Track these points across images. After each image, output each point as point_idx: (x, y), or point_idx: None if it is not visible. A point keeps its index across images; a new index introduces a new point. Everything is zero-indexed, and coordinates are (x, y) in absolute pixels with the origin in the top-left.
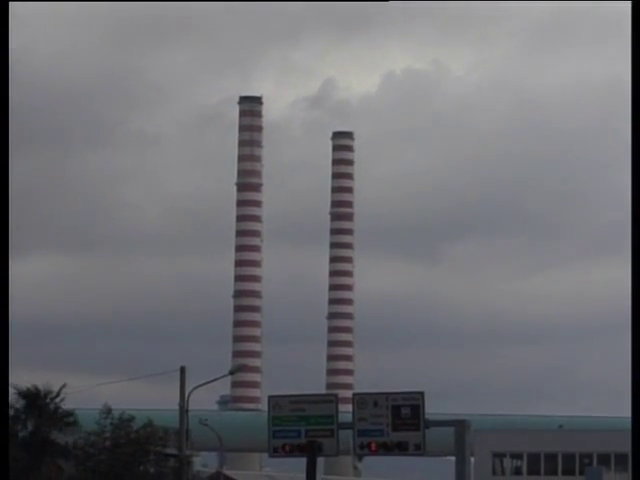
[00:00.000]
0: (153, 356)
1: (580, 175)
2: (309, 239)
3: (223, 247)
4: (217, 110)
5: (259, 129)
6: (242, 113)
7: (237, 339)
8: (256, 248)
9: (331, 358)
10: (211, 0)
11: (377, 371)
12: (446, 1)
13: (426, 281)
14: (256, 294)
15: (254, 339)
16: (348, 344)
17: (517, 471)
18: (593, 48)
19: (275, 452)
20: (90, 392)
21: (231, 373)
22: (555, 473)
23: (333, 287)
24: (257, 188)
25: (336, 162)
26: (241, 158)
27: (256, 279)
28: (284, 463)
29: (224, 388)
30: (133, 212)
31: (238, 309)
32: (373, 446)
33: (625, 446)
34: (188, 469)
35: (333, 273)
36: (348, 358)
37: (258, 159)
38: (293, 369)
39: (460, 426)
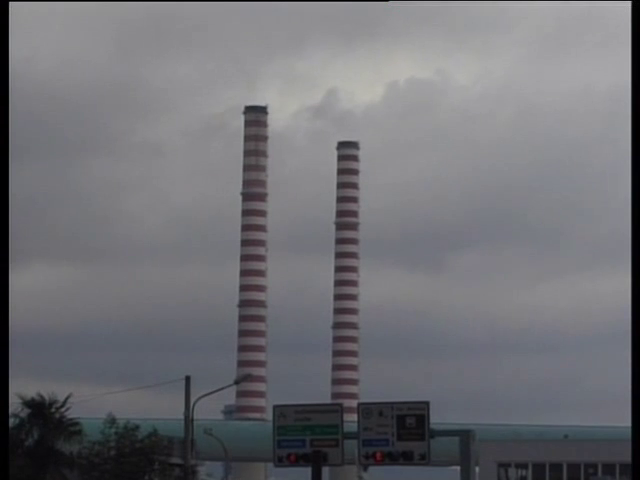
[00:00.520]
0: (158, 366)
1: (584, 185)
2: (314, 249)
3: (228, 257)
4: (221, 119)
5: (264, 139)
6: (247, 123)
7: (242, 349)
8: (261, 258)
9: (336, 368)
10: (216, 0)
11: (382, 381)
12: (450, 9)
13: (431, 291)
14: (261, 304)
15: (259, 349)
16: (353, 354)
17: None
18: (597, 58)
19: (280, 462)
20: (95, 402)
21: (236, 383)
22: None
23: (338, 297)
24: (262, 198)
25: (341, 172)
26: (246, 168)
27: (261, 289)
28: (289, 473)
29: (229, 398)
30: (138, 221)
31: (243, 319)
32: (378, 456)
33: (630, 456)
34: (193, 479)
35: (338, 283)
36: (353, 368)
37: (263, 169)
38: (298, 379)
39: (465, 436)
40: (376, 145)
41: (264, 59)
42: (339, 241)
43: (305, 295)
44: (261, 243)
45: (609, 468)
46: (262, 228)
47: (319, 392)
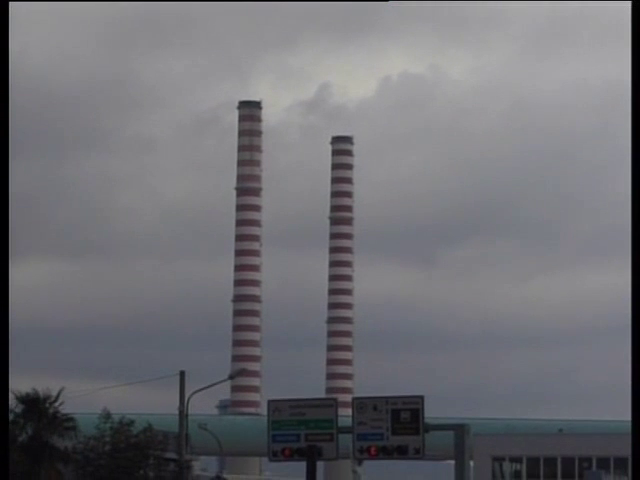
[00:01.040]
0: (152, 361)
1: (578, 179)
2: (308, 243)
3: (222, 251)
4: (214, 114)
5: (259, 134)
6: (241, 118)
7: (236, 343)
8: (255, 252)
9: (330, 362)
10: (208, 0)
11: (376, 375)
12: (443, 4)
13: (425, 285)
14: (255, 298)
15: (253, 343)
16: (348, 348)
17: (516, 475)
18: (591, 52)
19: (275, 456)
20: (90, 397)
21: (231, 377)
22: (554, 477)
23: (332, 291)
24: (257, 193)
25: (335, 167)
26: (241, 163)
27: (255, 283)
28: (284, 467)
29: (224, 392)
30: (132, 216)
31: (237, 313)
32: (373, 450)
33: (624, 450)
34: (188, 473)
35: (332, 277)
36: (347, 362)
37: (257, 164)
38: (293, 373)
39: (459, 430)
40: (369, 140)
41: (257, 54)
42: (333, 236)
43: (299, 290)
44: (255, 238)
45: (604, 462)
46: (256, 223)
47: (314, 387)
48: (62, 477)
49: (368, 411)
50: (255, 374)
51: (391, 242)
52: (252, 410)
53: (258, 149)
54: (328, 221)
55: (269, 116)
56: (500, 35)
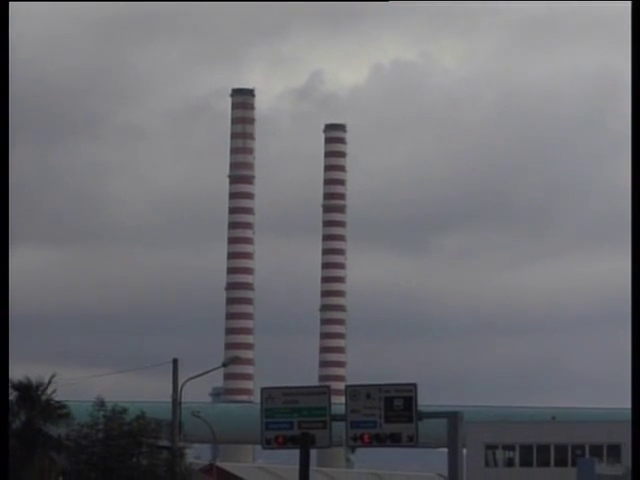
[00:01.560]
0: (146, 348)
1: (569, 167)
2: (301, 231)
3: (215, 239)
4: (206, 102)
5: (251, 121)
6: (234, 105)
7: (230, 331)
8: (248, 240)
9: (324, 350)
10: None
11: (370, 363)
12: None
13: (418, 273)
14: (249, 286)
15: (247, 331)
16: (341, 336)
17: (509, 462)
18: (581, 41)
19: (268, 444)
20: (83, 384)
21: (224, 365)
22: (547, 464)
23: (325, 279)
24: (250, 180)
25: (328, 154)
26: (233, 150)
27: (249, 271)
28: (277, 455)
29: (217, 380)
30: (124, 204)
31: (230, 301)
32: (366, 438)
33: (617, 437)
34: (181, 461)
35: (325, 265)
36: (340, 350)
37: (250, 151)
38: (286, 361)
39: (452, 418)
40: (362, 127)
41: (249, 42)
42: (326, 224)
43: (292, 277)
44: (248, 226)
45: (597, 449)
46: (249, 211)
47: (307, 374)
48: (55, 464)
49: (361, 399)
50: (248, 362)
51: (384, 230)
52: (245, 398)
53: (251, 137)
54: (321, 209)
55: (261, 103)
56: (492, 23)
